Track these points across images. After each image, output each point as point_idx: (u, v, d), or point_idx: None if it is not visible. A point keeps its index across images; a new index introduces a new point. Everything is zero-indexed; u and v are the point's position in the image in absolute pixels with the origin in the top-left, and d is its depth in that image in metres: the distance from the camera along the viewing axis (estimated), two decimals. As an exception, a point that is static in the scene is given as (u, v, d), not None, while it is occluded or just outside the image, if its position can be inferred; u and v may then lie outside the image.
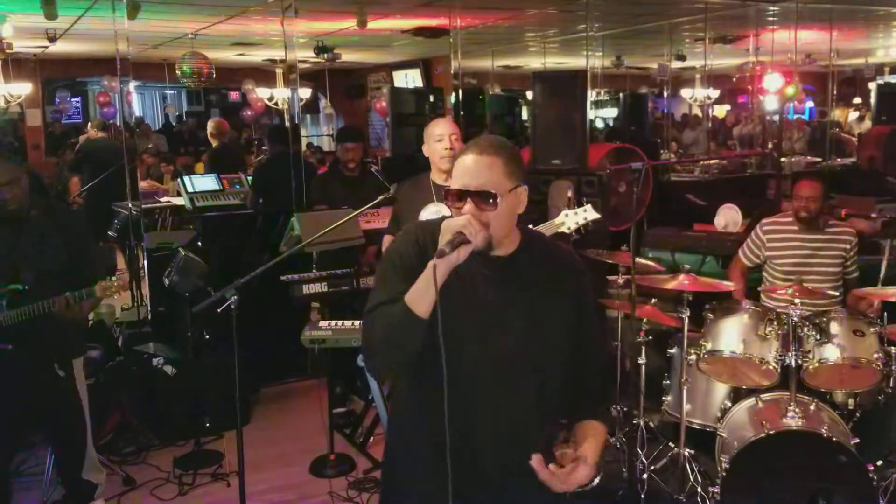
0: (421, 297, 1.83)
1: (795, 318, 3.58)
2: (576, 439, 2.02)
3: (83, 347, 3.87)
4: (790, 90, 8.61)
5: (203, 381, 4.74)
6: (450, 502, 1.82)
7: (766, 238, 4.41)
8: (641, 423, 4.15)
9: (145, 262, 5.81)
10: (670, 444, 4.09)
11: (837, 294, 4.19)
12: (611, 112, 14.59)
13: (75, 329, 3.64)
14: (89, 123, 9.68)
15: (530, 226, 2.29)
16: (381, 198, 3.56)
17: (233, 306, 3.11)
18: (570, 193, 3.55)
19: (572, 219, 3.45)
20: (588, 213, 3.46)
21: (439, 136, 3.72)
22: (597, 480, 1.99)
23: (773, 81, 8.00)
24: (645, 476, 3.96)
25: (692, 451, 3.93)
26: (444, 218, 1.95)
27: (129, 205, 6.11)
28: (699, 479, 3.85)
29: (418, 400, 2.01)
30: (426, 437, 1.96)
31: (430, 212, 3.73)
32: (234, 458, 3.59)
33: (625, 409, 4.42)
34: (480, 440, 1.95)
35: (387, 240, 3.99)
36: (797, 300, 3.58)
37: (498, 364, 1.94)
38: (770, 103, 10.28)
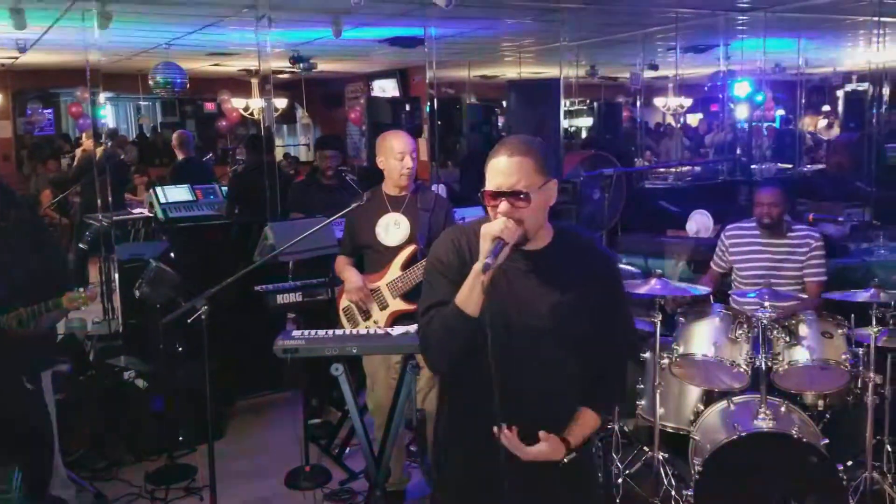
0: (469, 299, 1.99)
1: (765, 321, 3.62)
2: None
3: (52, 360, 3.81)
4: (759, 97, 8.73)
5: (176, 395, 4.69)
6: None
7: (728, 244, 4.46)
8: (616, 427, 4.17)
9: (116, 275, 5.74)
10: (645, 448, 4.11)
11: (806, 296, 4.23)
12: (586, 121, 14.72)
13: (43, 341, 3.59)
14: (83, 135, 9.59)
15: None
16: (354, 205, 3.55)
17: (203, 316, 3.09)
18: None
19: None
20: None
21: (400, 154, 3.69)
22: (566, 460, 2.09)
23: (742, 89, 8.12)
24: (620, 480, 3.98)
25: (666, 455, 3.95)
26: (479, 220, 2.12)
27: (100, 216, 6.05)
28: (673, 483, 3.87)
29: (462, 390, 2.18)
30: (472, 424, 2.12)
31: (384, 223, 3.73)
32: (208, 471, 3.56)
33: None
34: (518, 422, 2.04)
35: (340, 261, 3.95)
36: (767, 303, 3.62)
37: (532, 352, 2.08)
38: (741, 112, 10.41)
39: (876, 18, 7.71)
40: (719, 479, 3.46)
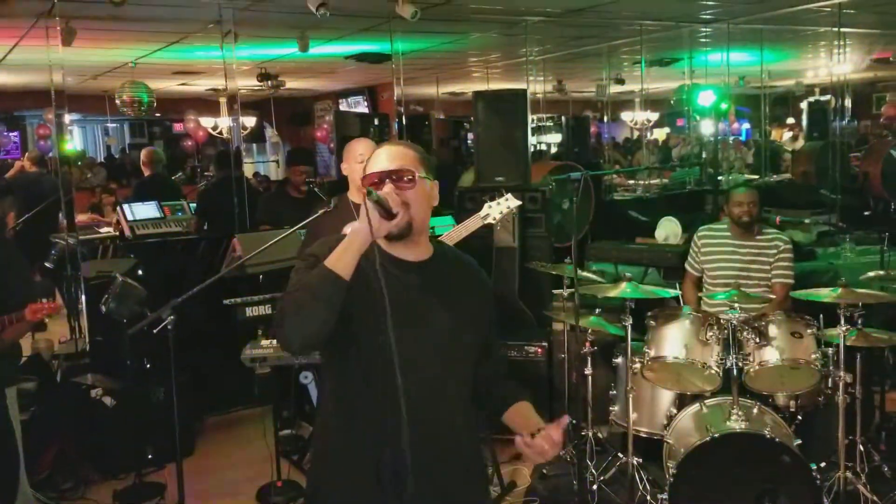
0: (342, 258, 1.87)
1: (735, 322, 3.64)
2: (517, 420, 2.06)
3: (16, 376, 3.72)
4: (723, 106, 8.89)
5: (144, 412, 4.60)
6: None
7: (700, 244, 4.50)
8: (590, 434, 4.16)
9: (83, 295, 5.64)
10: (619, 454, 4.10)
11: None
12: (555, 137, 14.82)
13: (7, 356, 3.50)
14: (26, 155, 9.43)
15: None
16: (320, 211, 3.53)
17: (170, 326, 3.03)
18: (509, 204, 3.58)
19: (496, 209, 3.48)
20: (510, 202, 3.50)
21: (361, 157, 3.67)
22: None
23: (706, 98, 8.25)
24: (595, 487, 3.97)
25: (640, 460, 3.94)
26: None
27: (66, 235, 5.96)
28: (648, 488, 3.86)
29: (337, 404, 2.04)
30: (346, 440, 1.97)
31: (347, 230, 3.70)
32: (177, 489, 3.48)
33: (573, 421, 4.41)
34: (401, 440, 1.90)
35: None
36: (737, 304, 3.64)
37: (413, 364, 1.92)
38: (706, 126, 10.57)
39: (836, 29, 7.88)
40: (693, 482, 3.45)
